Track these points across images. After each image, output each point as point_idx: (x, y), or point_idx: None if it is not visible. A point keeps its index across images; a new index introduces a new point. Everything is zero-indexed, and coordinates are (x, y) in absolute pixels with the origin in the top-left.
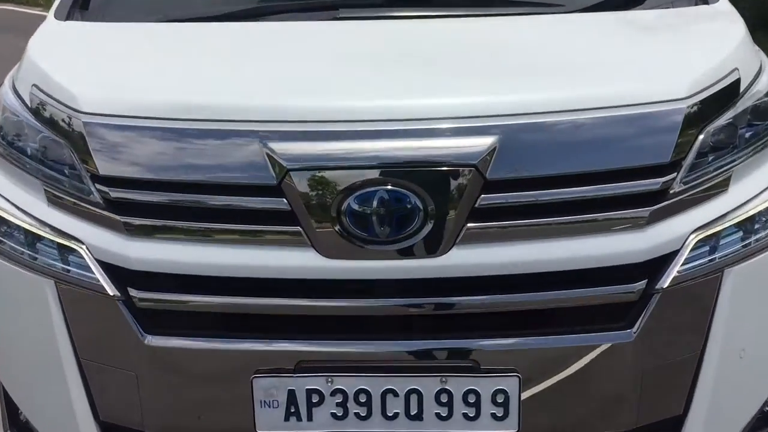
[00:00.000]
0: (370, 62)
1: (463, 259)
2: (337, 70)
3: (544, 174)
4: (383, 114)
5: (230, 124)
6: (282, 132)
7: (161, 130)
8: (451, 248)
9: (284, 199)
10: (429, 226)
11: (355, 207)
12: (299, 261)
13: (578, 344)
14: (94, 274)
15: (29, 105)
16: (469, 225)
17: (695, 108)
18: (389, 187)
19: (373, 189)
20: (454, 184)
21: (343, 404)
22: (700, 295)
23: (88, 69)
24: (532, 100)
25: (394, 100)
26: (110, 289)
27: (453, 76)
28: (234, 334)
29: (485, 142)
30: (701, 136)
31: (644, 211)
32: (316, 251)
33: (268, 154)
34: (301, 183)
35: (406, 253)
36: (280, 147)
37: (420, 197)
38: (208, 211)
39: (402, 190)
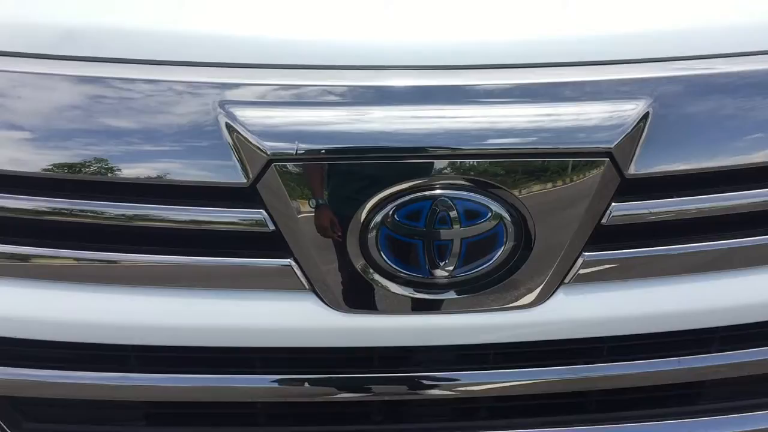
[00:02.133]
0: None
1: (576, 310)
2: None
3: (733, 165)
4: (443, 57)
5: (151, 69)
6: (258, 88)
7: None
8: (554, 292)
9: (263, 211)
10: (520, 257)
11: (395, 226)
12: (290, 315)
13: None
14: None
15: None
16: (587, 254)
17: None
18: (458, 190)
19: (428, 193)
20: (565, 183)
21: None
22: None
23: None
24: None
25: (467, 33)
26: None
27: None
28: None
29: (628, 110)
30: None
31: None
32: (320, 299)
33: (231, 129)
34: (293, 183)
35: (479, 303)
36: (253, 116)
37: (508, 208)
38: (114, 231)
39: (479, 196)
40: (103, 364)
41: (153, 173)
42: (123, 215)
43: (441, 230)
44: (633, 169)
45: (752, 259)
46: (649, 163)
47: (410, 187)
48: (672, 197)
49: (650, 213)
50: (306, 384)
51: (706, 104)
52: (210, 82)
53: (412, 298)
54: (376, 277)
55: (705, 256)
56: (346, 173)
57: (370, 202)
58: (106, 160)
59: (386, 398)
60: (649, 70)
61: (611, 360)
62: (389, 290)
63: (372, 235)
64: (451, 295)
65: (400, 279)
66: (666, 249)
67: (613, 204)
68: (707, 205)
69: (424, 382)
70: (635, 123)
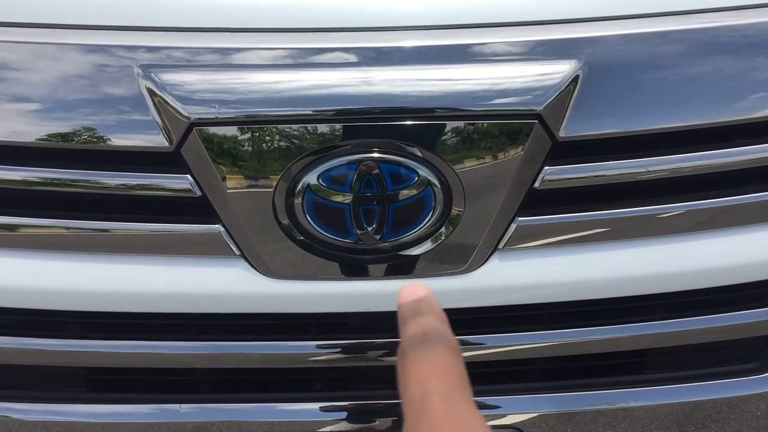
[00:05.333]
0: None
1: (511, 275)
2: None
3: (666, 127)
4: (366, 18)
5: (73, 34)
6: (178, 52)
7: None
8: (488, 258)
9: (189, 176)
10: (450, 222)
11: (321, 190)
12: (220, 281)
13: (684, 399)
14: None
15: None
16: (521, 219)
17: None
18: (383, 154)
19: (353, 157)
20: (494, 147)
21: None
22: None
23: None
24: None
25: None
26: None
27: None
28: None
29: (558, 71)
30: None
31: None
32: (251, 265)
33: (153, 94)
34: (216, 147)
35: (410, 269)
36: (174, 80)
37: (436, 172)
38: (47, 198)
39: (405, 159)
40: (39, 330)
41: (80, 139)
42: (52, 180)
43: (367, 195)
44: (565, 132)
45: (691, 224)
46: (581, 125)
47: (334, 152)
48: (606, 160)
49: (584, 177)
50: (239, 351)
51: (638, 65)
52: (131, 46)
53: (341, 264)
54: (304, 242)
55: (640, 221)
56: (266, 138)
57: (293, 167)
58: (32, 127)
59: (320, 365)
60: (581, 31)
61: (549, 327)
62: (318, 256)
63: (298, 200)
64: (381, 260)
65: (328, 244)
66: (601, 213)
67: (546, 168)
68: (642, 168)
69: (357, 349)
70: (565, 85)
